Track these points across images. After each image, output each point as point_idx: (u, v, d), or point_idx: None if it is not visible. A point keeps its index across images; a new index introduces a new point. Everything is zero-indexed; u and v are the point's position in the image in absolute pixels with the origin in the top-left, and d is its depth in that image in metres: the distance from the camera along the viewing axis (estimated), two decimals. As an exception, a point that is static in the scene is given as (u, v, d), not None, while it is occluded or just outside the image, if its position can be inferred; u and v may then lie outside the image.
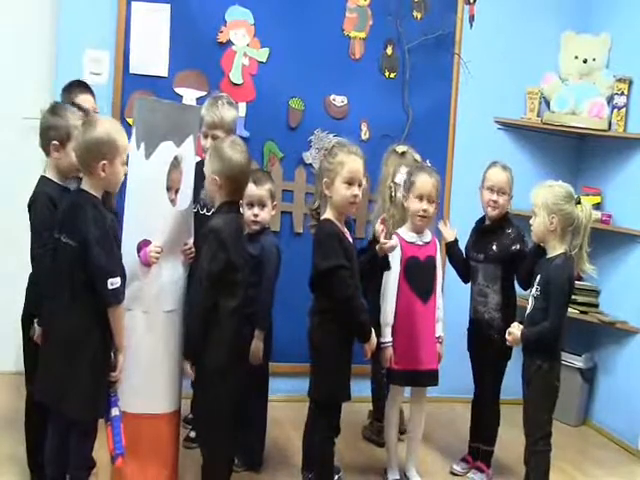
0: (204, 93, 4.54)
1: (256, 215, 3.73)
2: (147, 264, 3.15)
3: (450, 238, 4.07)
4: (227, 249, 3.08)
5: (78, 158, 3.00)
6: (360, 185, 3.31)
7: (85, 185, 3.02)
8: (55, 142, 3.22)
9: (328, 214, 3.35)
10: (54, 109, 3.29)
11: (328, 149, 3.41)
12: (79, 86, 3.99)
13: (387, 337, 3.76)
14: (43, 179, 3.28)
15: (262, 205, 3.75)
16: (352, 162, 3.30)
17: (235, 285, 3.16)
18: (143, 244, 3.16)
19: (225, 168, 3.13)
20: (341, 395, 3.40)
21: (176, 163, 3.24)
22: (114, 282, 2.91)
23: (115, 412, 3.06)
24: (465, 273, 4.13)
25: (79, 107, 3.47)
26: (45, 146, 3.26)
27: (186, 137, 3.23)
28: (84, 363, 2.94)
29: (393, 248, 3.57)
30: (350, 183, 3.28)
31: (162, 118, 3.18)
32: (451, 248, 4.09)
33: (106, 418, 3.05)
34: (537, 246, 3.69)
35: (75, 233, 2.94)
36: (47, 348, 3.04)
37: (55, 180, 3.28)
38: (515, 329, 3.50)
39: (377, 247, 3.50)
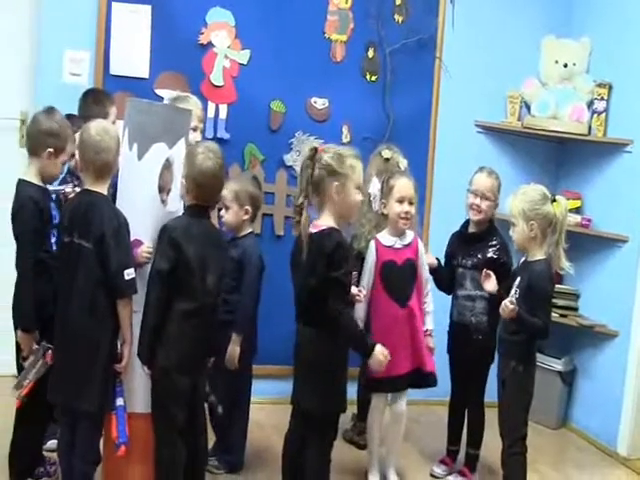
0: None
1: (221, 217, 3.77)
2: (138, 264, 3.15)
3: (434, 263, 4.02)
4: (179, 249, 3.04)
5: (94, 163, 3.08)
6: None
7: (92, 186, 3.10)
8: (51, 150, 3.24)
9: (329, 220, 3.19)
10: (51, 114, 3.31)
11: (332, 153, 3.20)
12: (108, 97, 4.00)
13: None
14: (24, 183, 3.27)
15: (225, 206, 3.77)
16: (360, 166, 3.24)
17: (191, 288, 3.10)
18: (134, 244, 3.15)
19: (193, 173, 3.11)
20: (342, 406, 3.32)
21: (167, 164, 3.23)
22: (129, 273, 3.03)
23: (120, 402, 3.12)
24: (448, 286, 4.13)
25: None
26: (37, 148, 3.26)
27: (178, 139, 3.24)
28: (101, 361, 3.05)
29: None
30: (359, 188, 3.21)
31: (155, 120, 3.19)
32: (435, 272, 4.02)
33: (111, 407, 3.11)
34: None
35: (90, 233, 3.02)
36: (62, 351, 3.11)
37: (37, 183, 3.28)
38: (515, 302, 3.40)
39: None
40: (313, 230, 3.20)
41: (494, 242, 3.97)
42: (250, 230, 3.87)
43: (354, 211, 3.26)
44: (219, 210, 3.77)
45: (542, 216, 3.46)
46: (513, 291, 3.53)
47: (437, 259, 4.09)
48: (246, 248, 3.77)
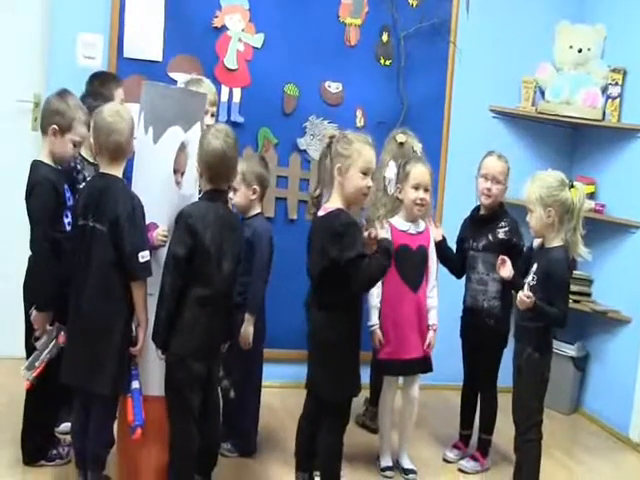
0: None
1: (230, 198, 3.75)
2: (154, 247, 3.15)
3: (438, 238, 4.00)
4: (196, 236, 3.02)
5: (107, 145, 3.07)
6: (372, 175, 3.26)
7: (107, 169, 3.11)
8: (55, 127, 3.25)
9: (337, 203, 3.21)
10: (63, 95, 3.32)
11: (341, 136, 3.25)
12: (114, 79, 3.97)
13: (373, 320, 3.77)
14: (39, 164, 3.29)
15: (233, 189, 3.75)
16: (368, 152, 3.22)
17: (207, 274, 3.08)
18: (150, 227, 3.16)
19: (203, 155, 3.10)
20: (356, 390, 3.34)
21: (182, 147, 3.23)
22: (144, 255, 3.03)
23: (135, 385, 3.12)
24: (457, 269, 4.12)
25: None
26: (45, 127, 3.29)
27: (194, 123, 3.23)
28: (114, 344, 3.05)
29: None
30: (365, 173, 3.19)
31: (171, 103, 3.18)
32: (440, 247, 4.00)
33: (126, 391, 3.11)
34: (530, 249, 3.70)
35: (105, 216, 3.02)
36: (76, 332, 3.10)
37: (50, 163, 3.29)
38: (532, 296, 3.37)
39: None
40: (321, 213, 3.23)
41: (504, 223, 3.96)
42: (259, 210, 3.86)
43: (359, 196, 3.23)
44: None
45: (560, 202, 3.43)
46: (530, 278, 3.51)
47: (444, 237, 4.06)
48: (256, 228, 3.76)
